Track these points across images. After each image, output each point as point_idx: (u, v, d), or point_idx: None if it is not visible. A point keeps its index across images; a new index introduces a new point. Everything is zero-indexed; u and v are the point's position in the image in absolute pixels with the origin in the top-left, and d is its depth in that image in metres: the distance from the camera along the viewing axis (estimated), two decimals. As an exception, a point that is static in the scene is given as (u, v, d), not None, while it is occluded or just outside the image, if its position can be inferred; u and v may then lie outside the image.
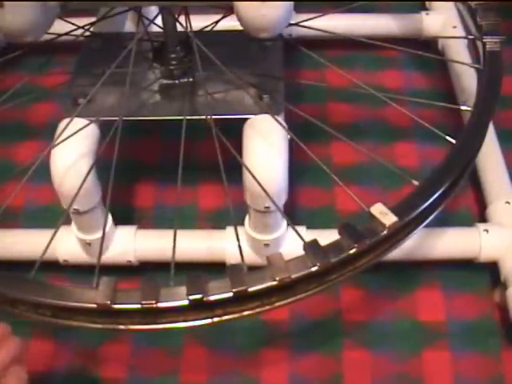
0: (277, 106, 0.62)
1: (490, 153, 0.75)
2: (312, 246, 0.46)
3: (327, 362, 0.65)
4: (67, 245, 0.67)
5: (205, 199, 0.77)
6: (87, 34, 0.67)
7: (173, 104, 0.64)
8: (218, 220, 0.74)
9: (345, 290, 0.69)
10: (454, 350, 0.65)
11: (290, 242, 0.66)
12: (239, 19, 0.52)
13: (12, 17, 0.49)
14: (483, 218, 0.72)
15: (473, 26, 0.65)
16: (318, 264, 0.45)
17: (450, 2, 0.90)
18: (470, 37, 0.65)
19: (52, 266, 0.67)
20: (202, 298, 0.44)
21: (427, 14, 0.92)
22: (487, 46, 0.61)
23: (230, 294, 0.45)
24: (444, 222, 0.69)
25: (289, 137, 0.61)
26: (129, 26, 0.77)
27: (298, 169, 0.64)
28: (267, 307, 0.46)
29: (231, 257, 0.67)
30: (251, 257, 0.66)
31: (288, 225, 0.65)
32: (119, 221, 0.68)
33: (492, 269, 0.68)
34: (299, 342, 0.66)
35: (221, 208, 0.76)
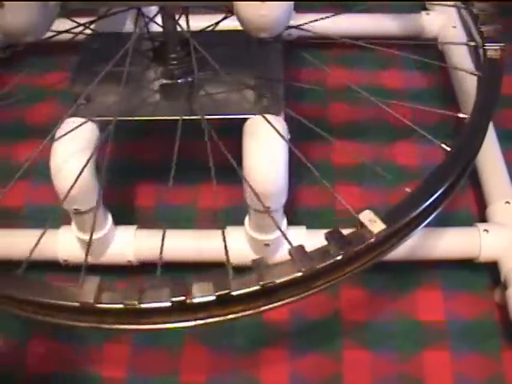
0: (276, 106, 0.62)
1: (489, 153, 0.75)
2: (298, 251, 0.46)
3: (327, 362, 0.65)
4: (67, 245, 0.67)
5: (205, 199, 0.77)
6: (87, 32, 0.66)
7: (172, 104, 0.64)
8: (218, 220, 0.74)
9: (345, 290, 0.69)
10: (454, 350, 0.65)
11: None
12: (239, 19, 0.52)
13: (12, 17, 0.49)
14: (483, 218, 0.72)
15: (474, 30, 0.65)
16: (302, 269, 0.45)
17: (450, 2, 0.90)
18: (472, 43, 0.65)
19: (52, 266, 0.67)
20: (185, 300, 0.44)
21: (427, 13, 0.92)
22: (488, 53, 0.61)
23: (213, 298, 0.45)
24: (444, 222, 0.69)
25: (289, 136, 0.61)
26: (129, 25, 0.77)
27: (298, 169, 0.64)
28: (251, 311, 0.46)
29: (231, 257, 0.66)
30: (251, 257, 0.66)
31: (281, 229, 0.65)
32: (119, 221, 0.68)
33: (492, 269, 0.68)
34: (299, 342, 0.66)
35: (221, 208, 0.76)
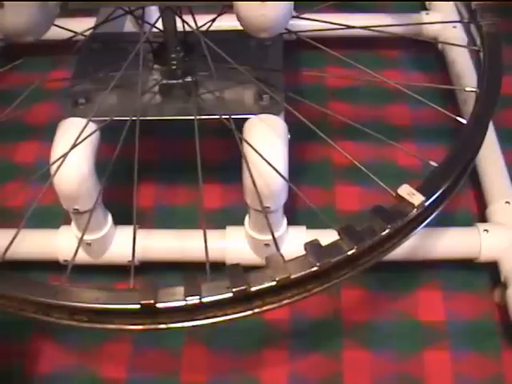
0: (276, 106, 0.62)
1: (490, 153, 0.75)
2: (347, 231, 0.47)
3: (327, 362, 0.65)
4: (67, 245, 0.67)
5: (205, 199, 0.77)
6: (87, 33, 0.66)
7: (176, 104, 0.64)
8: (218, 220, 0.74)
9: (345, 290, 0.69)
10: (454, 350, 0.65)
11: (290, 242, 0.66)
12: (239, 19, 0.52)
13: (12, 17, 0.49)
14: (483, 218, 0.72)
15: (467, 13, 0.65)
16: (355, 247, 0.45)
17: (450, 2, 0.90)
18: (466, 20, 0.65)
19: (52, 266, 0.67)
20: (246, 289, 0.44)
21: (427, 13, 0.92)
22: (484, 29, 0.61)
23: (273, 283, 0.44)
24: (444, 222, 0.69)
25: (288, 136, 0.61)
26: (128, 26, 0.77)
27: (298, 169, 0.64)
28: (305, 294, 0.46)
29: (231, 256, 0.67)
30: (251, 257, 0.66)
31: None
32: (119, 221, 0.68)
33: (492, 269, 0.68)
34: (299, 341, 0.66)
35: (221, 208, 0.76)
